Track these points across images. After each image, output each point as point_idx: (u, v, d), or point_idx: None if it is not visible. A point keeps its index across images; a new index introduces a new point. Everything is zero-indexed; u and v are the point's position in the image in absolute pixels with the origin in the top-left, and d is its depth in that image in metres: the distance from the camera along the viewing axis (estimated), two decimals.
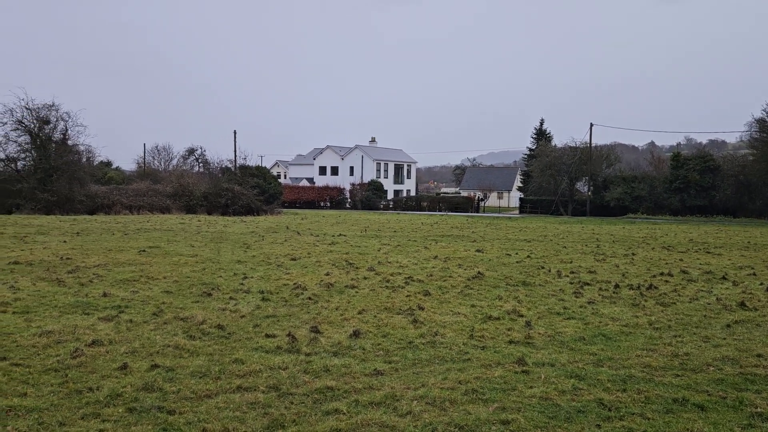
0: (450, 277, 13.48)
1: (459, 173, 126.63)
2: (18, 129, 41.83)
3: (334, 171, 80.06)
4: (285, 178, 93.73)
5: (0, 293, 10.34)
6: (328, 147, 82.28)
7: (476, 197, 69.89)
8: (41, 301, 9.88)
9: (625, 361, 7.17)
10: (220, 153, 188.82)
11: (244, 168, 57.64)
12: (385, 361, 7.04)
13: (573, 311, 10.05)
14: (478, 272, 13.99)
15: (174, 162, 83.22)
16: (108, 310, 9.32)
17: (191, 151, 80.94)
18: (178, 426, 5.00)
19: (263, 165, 78.13)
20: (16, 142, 42.30)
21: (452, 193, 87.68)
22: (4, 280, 11.76)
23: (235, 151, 60.74)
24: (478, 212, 63.84)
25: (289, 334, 7.91)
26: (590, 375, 6.58)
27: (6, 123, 41.45)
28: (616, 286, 12.55)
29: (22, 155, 42.97)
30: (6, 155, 42.63)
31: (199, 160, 77.93)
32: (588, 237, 26.84)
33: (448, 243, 22.17)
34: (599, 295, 11.63)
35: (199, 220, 33.81)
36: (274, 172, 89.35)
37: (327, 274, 13.38)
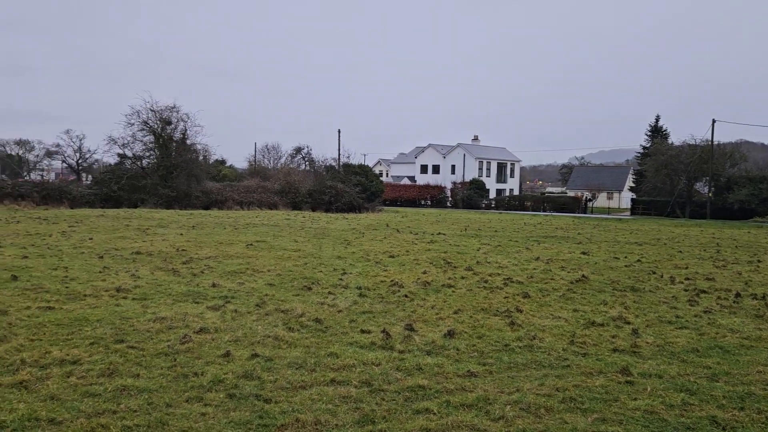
0: (552, 279, 13.00)
1: (566, 172, 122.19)
2: (143, 129, 45.32)
3: (436, 169, 79.93)
4: (387, 176, 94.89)
5: (122, 280, 11.23)
6: (429, 145, 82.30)
7: (584, 197, 67.11)
8: (157, 289, 10.60)
9: (744, 377, 6.56)
10: (325, 151, 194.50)
11: (348, 166, 58.95)
12: (479, 362, 6.89)
13: (686, 320, 9.35)
14: (583, 275, 13.39)
15: (282, 160, 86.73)
16: (216, 300, 9.83)
17: (298, 150, 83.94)
18: (274, 414, 5.16)
19: (366, 163, 79.41)
20: (141, 141, 45.86)
21: (558, 193, 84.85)
22: (127, 268, 12.75)
23: (339, 149, 62.43)
24: (585, 213, 61.29)
25: (383, 331, 7.95)
26: (703, 390, 6.07)
27: (133, 124, 45.02)
28: (737, 295, 11.53)
29: (147, 154, 46.53)
30: (133, 154, 46.36)
31: (306, 159, 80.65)
32: (707, 241, 24.93)
33: (552, 244, 21.43)
34: (717, 304, 10.74)
35: (304, 217, 34.97)
36: (376, 170, 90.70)
37: (424, 273, 13.35)
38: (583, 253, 18.25)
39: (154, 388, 5.68)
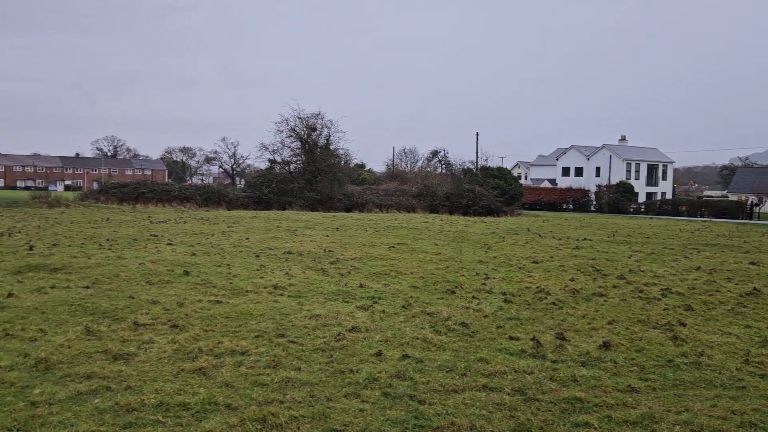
0: (717, 291, 11.90)
1: (727, 174, 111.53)
2: (291, 136, 48.21)
3: (578, 172, 76.57)
4: (525, 179, 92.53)
5: (278, 278, 12.00)
6: (572, 147, 79.04)
7: (749, 201, 60.71)
8: (309, 288, 11.20)
9: None
10: (462, 154, 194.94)
11: (485, 169, 58.33)
12: (639, 377, 6.48)
13: None
14: (754, 288, 12.10)
15: (419, 164, 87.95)
16: (363, 300, 10.17)
17: (435, 153, 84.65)
18: (428, 416, 5.22)
19: (504, 166, 78.13)
20: (289, 147, 48.84)
21: (718, 197, 77.58)
22: (281, 267, 13.61)
23: (476, 152, 62.01)
24: (750, 219, 55.42)
25: (533, 339, 7.75)
26: None
27: (282, 131, 48.05)
28: None
29: (294, 159, 49.44)
30: (282, 159, 49.44)
31: (442, 162, 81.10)
32: None
33: (714, 253, 19.62)
34: None
35: (442, 220, 35.12)
36: (515, 173, 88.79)
37: (572, 280, 12.83)
38: (753, 264, 16.50)
39: (314, 382, 5.99)
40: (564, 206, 68.35)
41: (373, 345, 7.38)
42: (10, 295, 9.56)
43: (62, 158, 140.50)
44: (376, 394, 5.73)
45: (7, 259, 13.46)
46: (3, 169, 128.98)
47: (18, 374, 5.97)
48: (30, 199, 45.77)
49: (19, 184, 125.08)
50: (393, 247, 18.33)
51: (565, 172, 78.53)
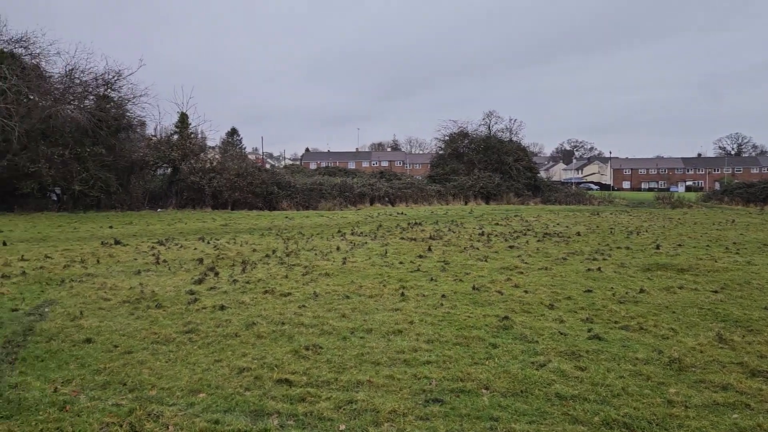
0: None
1: None
2: None
3: None
4: None
5: None
6: None
7: None
8: None
9: None
10: None
11: None
12: None
13: None
14: None
15: None
16: None
17: None
18: None
19: None
20: None
21: None
22: None
23: None
24: None
25: None
26: None
27: None
28: None
29: None
30: None
31: None
32: None
33: None
34: None
35: None
36: None
37: None
38: None
39: None
40: None
41: None
42: (641, 290, 10.16)
43: (684, 159, 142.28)
44: None
45: (638, 256, 14.43)
46: (629, 172, 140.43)
47: (653, 369, 6.20)
48: (654, 199, 48.29)
49: (643, 185, 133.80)
50: None
51: None
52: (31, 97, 32.27)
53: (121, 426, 4.77)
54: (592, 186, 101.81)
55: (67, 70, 34.74)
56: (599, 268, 12.47)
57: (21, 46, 33.54)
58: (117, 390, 5.57)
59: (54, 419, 4.90)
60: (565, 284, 10.86)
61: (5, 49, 32.63)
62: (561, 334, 7.50)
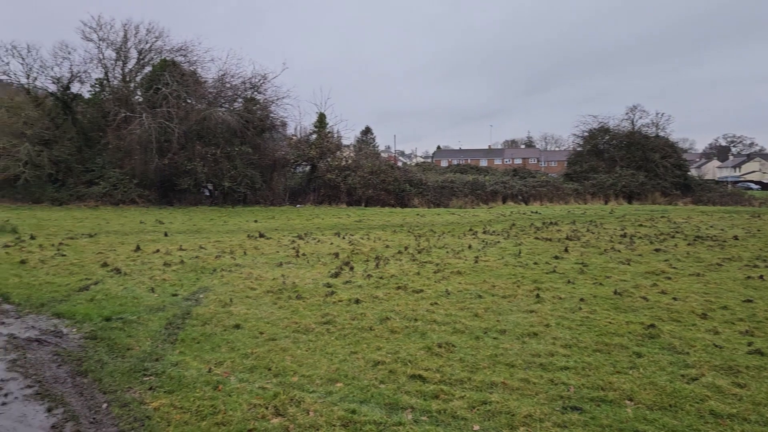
0: None
1: None
2: None
3: None
4: None
5: None
6: None
7: None
8: None
9: None
10: None
11: None
12: None
13: None
14: None
15: None
16: None
17: None
18: None
19: None
20: None
21: None
22: None
23: None
24: None
25: None
26: None
27: None
28: None
29: None
30: None
31: None
32: None
33: None
34: None
35: None
36: None
37: None
38: None
39: None
40: None
41: None
42: None
43: None
44: None
45: None
46: None
47: None
48: None
49: None
50: None
51: None
52: (189, 101, 35.54)
53: (266, 408, 5.08)
54: (752, 185, 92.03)
55: (219, 75, 37.85)
56: (761, 276, 11.25)
57: (181, 55, 37.04)
58: (262, 374, 5.94)
59: (209, 397, 5.33)
60: (720, 292, 9.93)
61: (168, 58, 36.21)
62: (716, 346, 6.86)
